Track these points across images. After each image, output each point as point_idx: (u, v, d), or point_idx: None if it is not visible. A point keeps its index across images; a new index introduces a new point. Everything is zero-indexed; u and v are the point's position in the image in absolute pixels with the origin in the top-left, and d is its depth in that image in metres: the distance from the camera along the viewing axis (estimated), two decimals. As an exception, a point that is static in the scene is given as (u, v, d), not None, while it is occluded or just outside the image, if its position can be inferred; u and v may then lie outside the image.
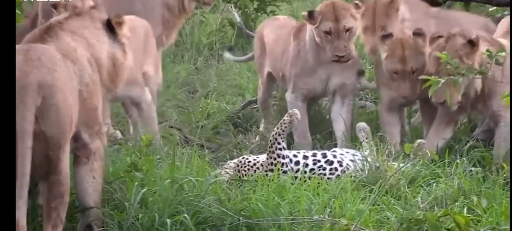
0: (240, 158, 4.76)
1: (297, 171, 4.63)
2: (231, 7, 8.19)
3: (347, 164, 4.69)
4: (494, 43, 4.85)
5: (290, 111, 4.77)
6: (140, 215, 3.94)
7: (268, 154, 4.66)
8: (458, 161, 4.67)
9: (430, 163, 4.67)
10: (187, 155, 4.76)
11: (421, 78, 4.75)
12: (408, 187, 4.46)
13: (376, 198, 4.19)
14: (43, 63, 3.47)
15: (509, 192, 4.38)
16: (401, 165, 4.48)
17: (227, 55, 6.87)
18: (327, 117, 5.64)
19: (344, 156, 4.73)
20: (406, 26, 5.38)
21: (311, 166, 4.67)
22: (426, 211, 4.00)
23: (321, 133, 5.51)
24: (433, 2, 7.06)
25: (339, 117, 5.40)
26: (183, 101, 6.50)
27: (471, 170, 4.63)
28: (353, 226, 3.73)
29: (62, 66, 3.57)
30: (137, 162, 4.16)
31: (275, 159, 4.62)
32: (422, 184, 4.52)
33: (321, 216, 3.94)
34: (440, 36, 4.97)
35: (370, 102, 6.32)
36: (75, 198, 3.86)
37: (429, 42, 5.03)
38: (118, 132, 5.56)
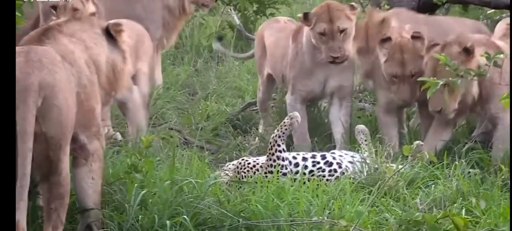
0: (240, 159, 4.77)
1: (296, 173, 4.65)
2: (231, 9, 8.21)
3: (346, 166, 4.71)
4: (491, 45, 4.86)
5: (291, 114, 4.78)
6: (140, 216, 3.95)
7: (268, 156, 4.67)
8: (457, 162, 4.68)
9: (429, 165, 4.68)
10: (186, 156, 4.77)
11: (419, 80, 4.79)
12: (406, 189, 4.47)
13: (375, 200, 4.20)
14: (44, 64, 3.49)
15: (507, 194, 4.40)
16: (400, 166, 4.49)
17: (217, 45, 6.88)
18: (326, 119, 5.65)
19: (343, 158, 4.75)
20: (405, 30, 5.39)
21: (310, 167, 4.68)
22: (425, 212, 4.02)
23: (320, 135, 5.52)
24: (433, 5, 7.09)
25: (337, 119, 5.41)
26: (183, 103, 6.51)
27: (469, 172, 4.64)
28: (352, 227, 3.75)
29: (62, 68, 3.58)
30: (137, 163, 4.17)
31: (274, 161, 4.63)
32: (421, 186, 4.53)
33: (320, 217, 3.96)
34: (436, 44, 4.98)
35: (369, 104, 6.33)
36: (75, 200, 3.87)
37: (425, 50, 5.05)
38: (118, 133, 5.57)
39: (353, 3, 5.44)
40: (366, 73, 5.50)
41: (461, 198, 4.32)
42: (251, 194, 4.17)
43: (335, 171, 4.68)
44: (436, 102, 4.90)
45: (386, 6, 7.07)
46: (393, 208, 4.20)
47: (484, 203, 4.08)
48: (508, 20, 5.68)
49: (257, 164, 4.68)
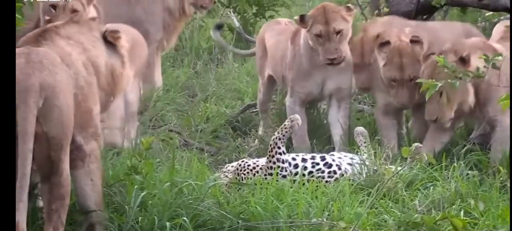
0: (240, 161, 4.78)
1: (296, 174, 4.66)
2: (230, 12, 8.22)
3: (346, 168, 4.72)
4: (488, 48, 4.88)
5: (291, 116, 4.79)
6: (140, 218, 3.96)
7: (268, 158, 4.68)
8: (455, 164, 4.69)
9: (428, 167, 4.69)
10: (186, 158, 4.79)
11: (418, 82, 4.80)
12: (405, 190, 4.48)
13: (374, 201, 4.22)
14: (44, 65, 3.51)
15: (505, 195, 4.41)
16: (399, 168, 4.51)
17: (216, 35, 6.87)
18: (325, 121, 5.67)
19: (342, 160, 4.76)
20: (404, 33, 5.41)
21: (309, 168, 4.70)
22: (424, 214, 4.04)
23: (320, 137, 5.53)
24: (431, 8, 7.11)
25: (336, 121, 5.42)
26: (183, 105, 6.53)
27: (468, 174, 4.65)
28: (351, 229, 3.77)
29: (63, 69, 3.60)
30: (137, 165, 4.17)
31: (274, 163, 4.65)
32: (420, 187, 4.55)
33: (320, 219, 3.97)
34: (432, 53, 5.00)
35: (368, 106, 6.34)
36: (75, 201, 3.88)
37: (422, 59, 5.07)
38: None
39: (349, 5, 5.46)
40: (362, 86, 5.52)
41: (459, 200, 4.33)
42: (251, 196, 4.18)
43: (335, 172, 4.69)
44: (432, 111, 4.93)
45: (385, 9, 7.09)
46: (392, 209, 4.22)
47: (483, 204, 4.09)
48: (506, 22, 5.69)
49: (257, 165, 4.69)
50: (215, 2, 7.04)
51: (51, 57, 3.59)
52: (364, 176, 4.64)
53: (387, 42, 5.23)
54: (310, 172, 4.69)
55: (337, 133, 5.42)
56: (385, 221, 4.06)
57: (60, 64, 3.60)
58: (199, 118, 6.12)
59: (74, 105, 3.64)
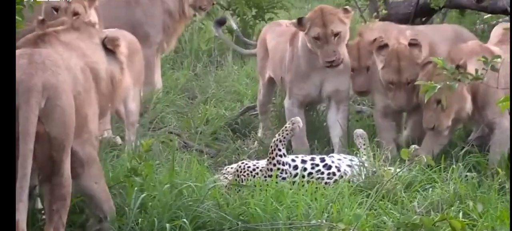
0: (240, 163, 4.79)
1: (295, 176, 4.67)
2: (230, 15, 8.23)
3: (345, 170, 4.73)
4: (485, 52, 4.88)
5: (293, 119, 4.80)
6: (140, 219, 3.97)
7: (268, 160, 4.69)
8: (454, 166, 4.71)
9: (426, 168, 4.71)
10: (186, 160, 4.80)
11: (416, 84, 4.81)
12: (404, 192, 4.50)
13: (373, 203, 4.23)
14: (47, 66, 3.52)
15: (504, 197, 4.43)
16: (398, 170, 4.52)
17: (219, 32, 6.87)
18: (325, 123, 5.68)
19: (342, 161, 4.77)
20: (404, 36, 5.42)
21: (309, 170, 4.71)
22: (423, 215, 4.05)
23: (319, 139, 5.54)
24: (430, 10, 7.13)
25: (335, 123, 5.43)
26: (182, 107, 6.54)
27: (466, 175, 4.67)
28: (351, 230, 3.77)
29: (65, 70, 3.61)
30: (136, 167, 4.19)
31: (275, 165, 4.66)
32: (419, 189, 4.56)
33: (319, 220, 3.98)
34: (429, 62, 5.01)
35: (367, 107, 6.36)
36: (75, 203, 3.90)
37: (420, 68, 5.08)
38: (118, 137, 5.59)
39: (347, 7, 5.48)
40: (359, 90, 5.54)
41: (458, 201, 4.35)
42: (250, 197, 4.19)
43: (334, 174, 4.71)
44: (429, 120, 4.94)
45: (383, 11, 7.11)
46: (391, 211, 4.23)
47: (481, 206, 4.10)
48: (504, 25, 5.71)
49: (257, 167, 4.70)
50: (213, 4, 7.05)
51: (53, 58, 3.61)
52: (363, 177, 4.65)
53: (386, 45, 5.24)
54: (310, 173, 4.70)
55: (336, 134, 5.43)
56: (384, 223, 4.07)
57: (62, 66, 3.61)
58: (199, 120, 6.13)
59: None
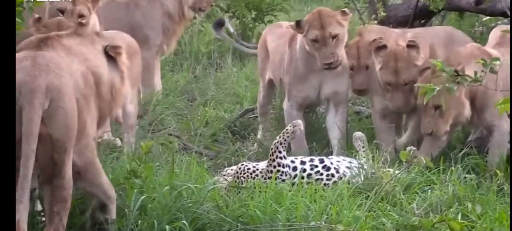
0: (239, 164, 4.80)
1: (295, 177, 4.68)
2: (227, 18, 8.22)
3: (344, 171, 4.74)
4: (484, 55, 4.89)
5: (294, 121, 4.81)
6: (140, 221, 3.98)
7: (268, 162, 4.70)
8: (453, 168, 4.72)
9: (425, 170, 4.72)
10: (185, 162, 4.81)
11: (416, 85, 4.82)
12: (403, 194, 4.50)
13: (372, 205, 4.24)
14: (51, 68, 3.53)
15: (503, 198, 4.44)
16: (397, 172, 4.53)
17: (221, 34, 6.88)
18: (324, 125, 5.69)
19: (341, 163, 4.79)
20: (404, 38, 5.43)
21: (308, 171, 4.72)
22: (421, 217, 4.05)
23: (318, 141, 5.55)
24: (429, 13, 7.15)
25: (334, 125, 5.44)
26: (182, 109, 6.55)
27: (465, 177, 4.68)
28: (350, 232, 3.78)
29: (68, 73, 3.63)
30: (136, 169, 4.20)
31: (275, 167, 4.67)
32: (417, 191, 4.57)
33: (318, 222, 3.99)
34: (427, 68, 5.02)
35: (366, 108, 6.37)
36: (75, 205, 3.91)
37: (418, 74, 5.09)
38: (117, 139, 5.60)
39: (345, 9, 5.49)
40: (359, 88, 5.55)
41: (457, 203, 4.35)
42: (250, 199, 4.20)
43: (333, 175, 4.72)
44: (427, 125, 4.95)
45: (382, 13, 7.12)
46: (390, 213, 4.24)
47: (480, 207, 4.11)
48: (502, 27, 5.72)
49: (257, 169, 4.72)
50: (212, 5, 7.06)
51: (57, 61, 3.62)
52: (362, 179, 4.66)
53: (384, 46, 5.25)
54: (309, 174, 4.71)
55: (334, 136, 5.44)
56: (383, 224, 4.08)
57: (65, 68, 3.63)
58: (198, 122, 6.14)
59: None
